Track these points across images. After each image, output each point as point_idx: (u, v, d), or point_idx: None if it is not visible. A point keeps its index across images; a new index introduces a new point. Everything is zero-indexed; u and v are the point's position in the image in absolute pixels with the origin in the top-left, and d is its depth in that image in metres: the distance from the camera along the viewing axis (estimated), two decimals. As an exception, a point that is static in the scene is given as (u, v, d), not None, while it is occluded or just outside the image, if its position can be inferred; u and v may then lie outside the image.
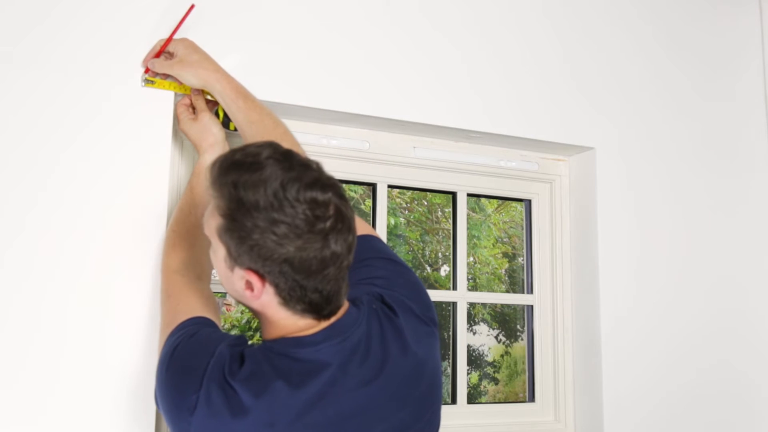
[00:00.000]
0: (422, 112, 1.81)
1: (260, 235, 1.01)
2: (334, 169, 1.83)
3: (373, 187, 1.91)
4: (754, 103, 2.30)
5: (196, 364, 1.08)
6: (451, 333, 2.01)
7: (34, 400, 1.36)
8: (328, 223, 1.02)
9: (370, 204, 1.93)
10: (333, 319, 1.11)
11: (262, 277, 1.04)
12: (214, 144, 1.49)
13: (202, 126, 1.50)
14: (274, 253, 1.01)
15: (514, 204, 2.32)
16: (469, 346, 2.01)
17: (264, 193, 1.01)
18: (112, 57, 1.51)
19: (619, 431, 1.92)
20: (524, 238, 2.12)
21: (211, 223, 1.07)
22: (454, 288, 1.99)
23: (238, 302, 1.15)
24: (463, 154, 1.98)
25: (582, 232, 2.04)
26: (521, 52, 1.96)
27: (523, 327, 2.26)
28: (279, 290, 1.05)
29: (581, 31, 2.05)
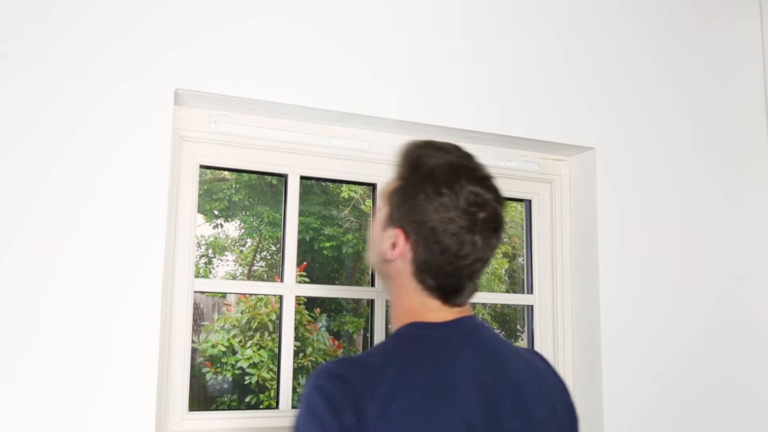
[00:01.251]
0: (422, 112, 1.81)
1: (424, 197, 1.10)
2: (334, 169, 1.84)
3: (373, 187, 1.91)
4: (755, 103, 2.30)
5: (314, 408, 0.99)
6: (451, 333, 2.00)
7: (36, 400, 1.36)
8: (482, 215, 1.10)
9: (370, 204, 1.93)
10: (459, 315, 1.13)
11: (407, 237, 1.11)
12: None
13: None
14: (426, 216, 1.09)
15: (514, 204, 2.32)
16: (469, 346, 2.00)
17: (441, 166, 1.12)
18: (112, 56, 1.51)
19: (619, 431, 1.92)
20: (524, 238, 2.12)
21: (384, 191, 1.18)
22: (454, 288, 1.99)
23: (376, 270, 1.21)
24: (463, 154, 1.97)
25: (582, 232, 2.04)
26: (521, 53, 1.96)
27: (523, 327, 2.26)
28: (416, 257, 1.10)
29: (581, 32, 2.05)
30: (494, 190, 1.14)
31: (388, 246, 1.13)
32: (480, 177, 1.13)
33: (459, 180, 1.10)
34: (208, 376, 5.07)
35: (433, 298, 1.12)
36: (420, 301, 1.13)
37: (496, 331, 1.25)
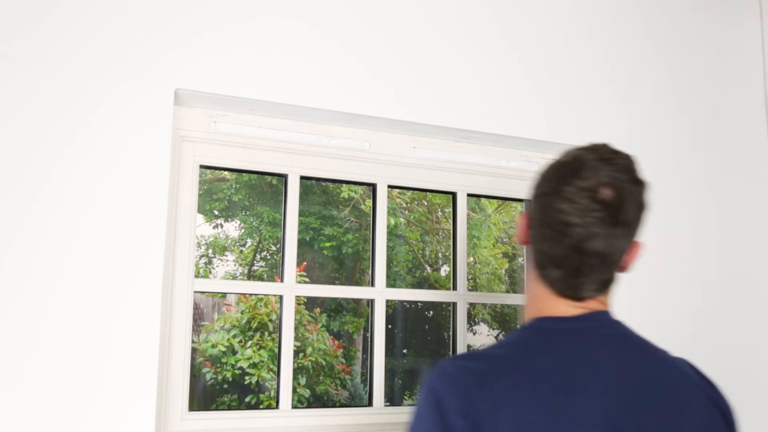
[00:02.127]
0: (422, 112, 1.81)
1: (541, 179, 1.06)
2: (334, 169, 1.84)
3: (373, 187, 1.91)
4: (755, 103, 2.30)
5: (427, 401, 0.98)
6: (451, 333, 2.00)
7: (36, 400, 1.36)
8: (600, 205, 0.99)
9: (370, 204, 1.93)
10: (586, 310, 1.05)
11: (527, 219, 1.07)
12: None
13: None
14: (540, 193, 1.04)
15: (514, 204, 2.32)
16: (469, 346, 2.01)
17: (572, 157, 1.04)
18: (112, 56, 1.51)
19: (619, 431, 1.92)
20: (524, 238, 2.12)
21: None
22: (454, 288, 1.99)
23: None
24: (463, 154, 1.98)
25: (582, 232, 2.04)
26: (522, 53, 1.96)
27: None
28: (533, 241, 1.06)
29: (582, 32, 2.05)
30: (624, 172, 1.01)
31: (519, 230, 1.10)
32: (607, 158, 1.01)
33: (582, 160, 1.01)
34: (208, 376, 5.07)
35: (552, 292, 1.05)
36: (542, 297, 1.06)
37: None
